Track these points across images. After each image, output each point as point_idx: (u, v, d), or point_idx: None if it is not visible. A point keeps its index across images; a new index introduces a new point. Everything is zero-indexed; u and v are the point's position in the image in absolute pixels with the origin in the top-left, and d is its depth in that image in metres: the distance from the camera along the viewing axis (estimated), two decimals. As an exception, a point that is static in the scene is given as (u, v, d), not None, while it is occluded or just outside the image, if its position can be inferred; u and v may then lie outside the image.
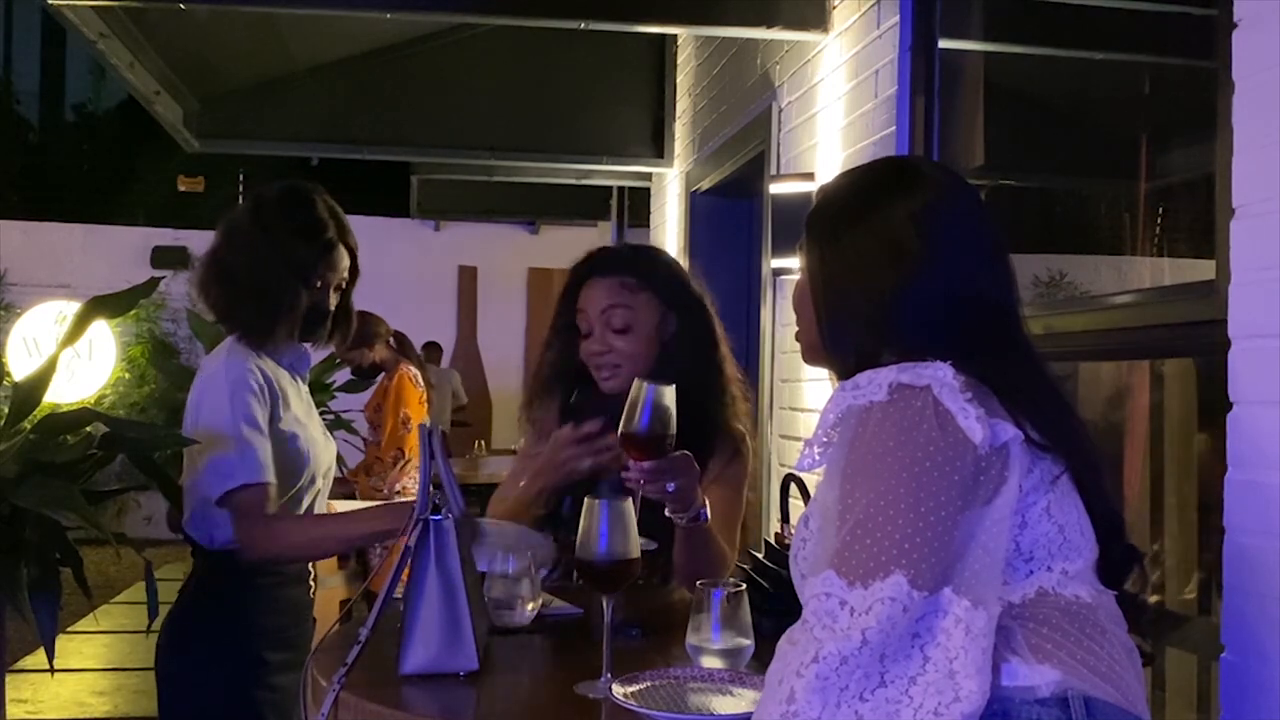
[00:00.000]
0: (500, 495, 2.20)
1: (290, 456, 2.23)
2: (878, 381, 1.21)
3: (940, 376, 1.20)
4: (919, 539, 1.14)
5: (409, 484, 5.08)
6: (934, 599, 1.14)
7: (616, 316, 2.12)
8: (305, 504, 2.29)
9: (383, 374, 5.27)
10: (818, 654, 1.13)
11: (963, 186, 1.42)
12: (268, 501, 2.13)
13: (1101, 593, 1.29)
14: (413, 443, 5.09)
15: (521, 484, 2.11)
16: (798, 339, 1.47)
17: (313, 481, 2.31)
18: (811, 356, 1.44)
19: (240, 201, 2.51)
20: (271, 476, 2.15)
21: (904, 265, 1.30)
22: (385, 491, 5.01)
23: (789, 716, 1.13)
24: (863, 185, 1.40)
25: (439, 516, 1.64)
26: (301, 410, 2.32)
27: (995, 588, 1.20)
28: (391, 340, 5.39)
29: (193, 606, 2.23)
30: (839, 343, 1.34)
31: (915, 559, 1.13)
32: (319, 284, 2.28)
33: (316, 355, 2.50)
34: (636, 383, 1.77)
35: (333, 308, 2.34)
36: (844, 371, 1.31)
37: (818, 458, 1.27)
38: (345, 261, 2.33)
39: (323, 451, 2.35)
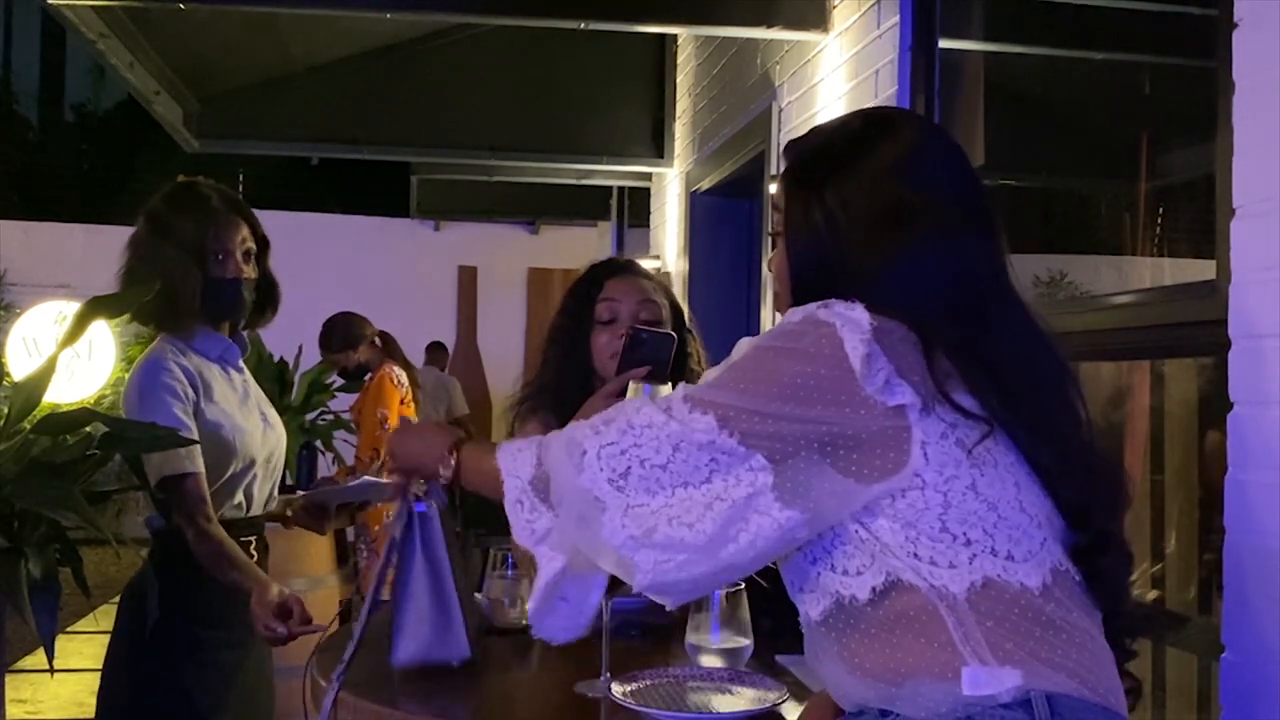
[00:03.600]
0: None
1: (215, 445, 2.29)
2: (804, 310, 1.23)
3: (851, 315, 1.19)
4: (753, 414, 1.17)
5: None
6: (745, 453, 1.17)
7: (648, 310, 2.14)
8: (241, 489, 2.35)
9: (369, 375, 5.26)
10: (639, 409, 1.23)
11: (943, 134, 1.38)
12: (198, 489, 2.23)
13: (1059, 575, 1.21)
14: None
15: None
16: (777, 309, 1.41)
17: (248, 468, 2.36)
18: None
19: None
20: (194, 466, 2.22)
21: (889, 217, 1.26)
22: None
23: (594, 434, 1.24)
24: (844, 135, 1.34)
25: (422, 506, 1.61)
26: (231, 400, 2.37)
27: (827, 516, 1.19)
28: (377, 340, 5.38)
29: (133, 585, 2.33)
30: (807, 297, 1.28)
31: (739, 419, 1.18)
32: (218, 256, 2.33)
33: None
34: (633, 385, 1.78)
35: (244, 277, 2.37)
36: None
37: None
38: (241, 230, 2.37)
39: (258, 440, 2.39)
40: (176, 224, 2.33)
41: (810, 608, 1.25)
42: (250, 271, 2.39)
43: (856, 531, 1.20)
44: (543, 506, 1.29)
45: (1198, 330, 1.95)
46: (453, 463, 1.45)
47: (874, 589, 1.18)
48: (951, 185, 1.29)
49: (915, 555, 1.17)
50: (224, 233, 2.34)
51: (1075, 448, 1.27)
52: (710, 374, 1.26)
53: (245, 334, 2.49)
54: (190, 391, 2.29)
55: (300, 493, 2.65)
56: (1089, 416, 1.30)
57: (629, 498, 1.20)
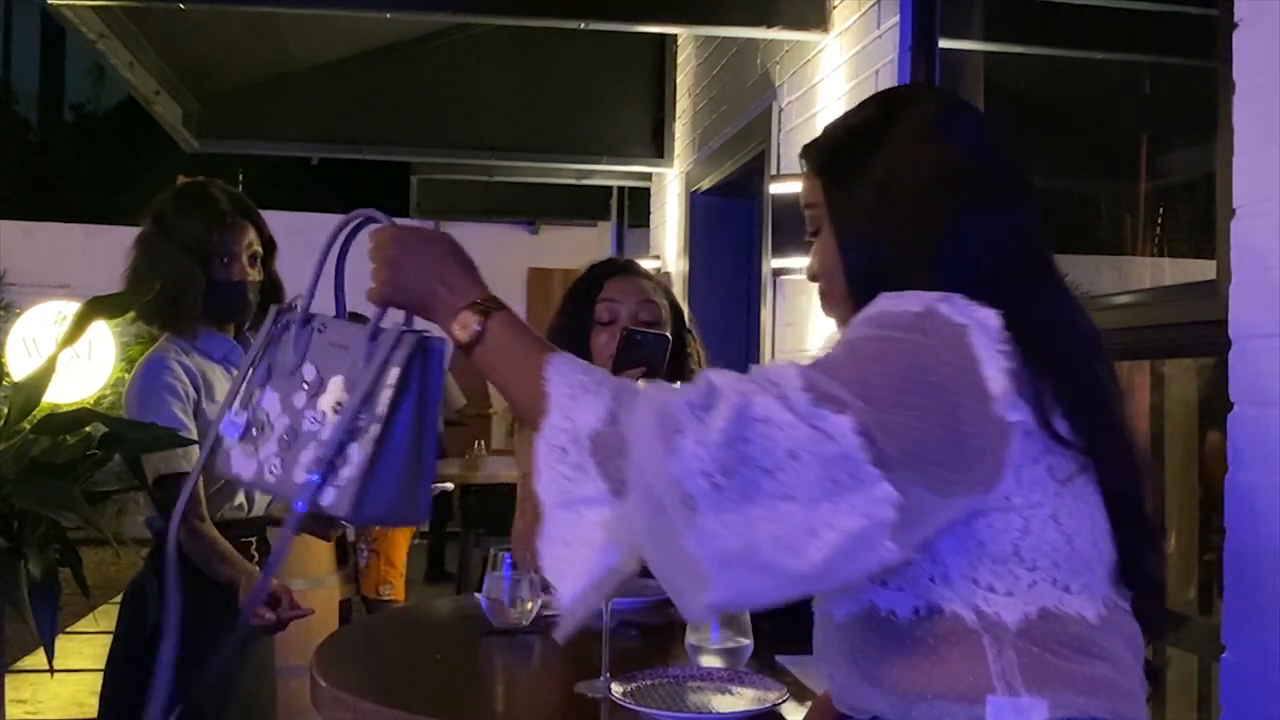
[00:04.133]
0: (525, 496, 2.17)
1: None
2: (921, 297, 1.07)
3: (983, 320, 1.06)
4: (887, 423, 0.99)
5: None
6: (873, 478, 0.97)
7: (647, 311, 2.14)
8: (241, 490, 2.38)
9: None
10: (749, 396, 0.99)
11: (960, 98, 1.31)
12: (193, 490, 2.20)
13: (1113, 608, 1.14)
14: None
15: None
16: (828, 314, 1.29)
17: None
18: (842, 315, 1.25)
19: None
20: (189, 466, 2.22)
21: (942, 182, 1.17)
22: None
23: (694, 417, 0.99)
24: (867, 115, 1.26)
25: (436, 340, 1.25)
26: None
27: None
28: None
29: (134, 585, 2.37)
30: (868, 293, 1.14)
31: (876, 426, 0.98)
32: (224, 259, 2.35)
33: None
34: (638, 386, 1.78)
35: (249, 279, 2.38)
36: None
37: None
38: (248, 233, 2.38)
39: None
40: (182, 224, 2.34)
41: (834, 605, 1.16)
42: (255, 274, 2.40)
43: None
44: (596, 473, 1.06)
45: (1198, 330, 1.95)
46: (476, 328, 1.17)
47: (916, 609, 1.10)
48: (987, 147, 1.22)
49: (974, 580, 1.09)
50: (230, 235, 2.35)
51: (1129, 443, 1.18)
52: (826, 356, 1.07)
53: (250, 335, 2.50)
54: (191, 391, 2.30)
55: None
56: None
57: (725, 500, 0.97)
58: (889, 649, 1.11)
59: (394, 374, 1.20)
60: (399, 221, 1.28)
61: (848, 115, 1.30)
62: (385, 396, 1.20)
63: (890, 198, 1.17)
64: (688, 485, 0.97)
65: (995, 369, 1.04)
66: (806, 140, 1.31)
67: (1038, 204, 1.22)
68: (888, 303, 1.09)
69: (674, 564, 1.00)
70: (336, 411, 1.22)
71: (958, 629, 1.09)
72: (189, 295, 2.32)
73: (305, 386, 1.27)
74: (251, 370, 1.33)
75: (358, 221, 1.28)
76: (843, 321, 1.22)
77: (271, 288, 2.47)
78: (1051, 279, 1.22)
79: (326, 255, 1.27)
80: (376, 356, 1.21)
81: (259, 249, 2.42)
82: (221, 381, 2.37)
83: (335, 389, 1.25)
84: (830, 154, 1.25)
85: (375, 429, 1.20)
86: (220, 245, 2.34)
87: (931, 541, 1.07)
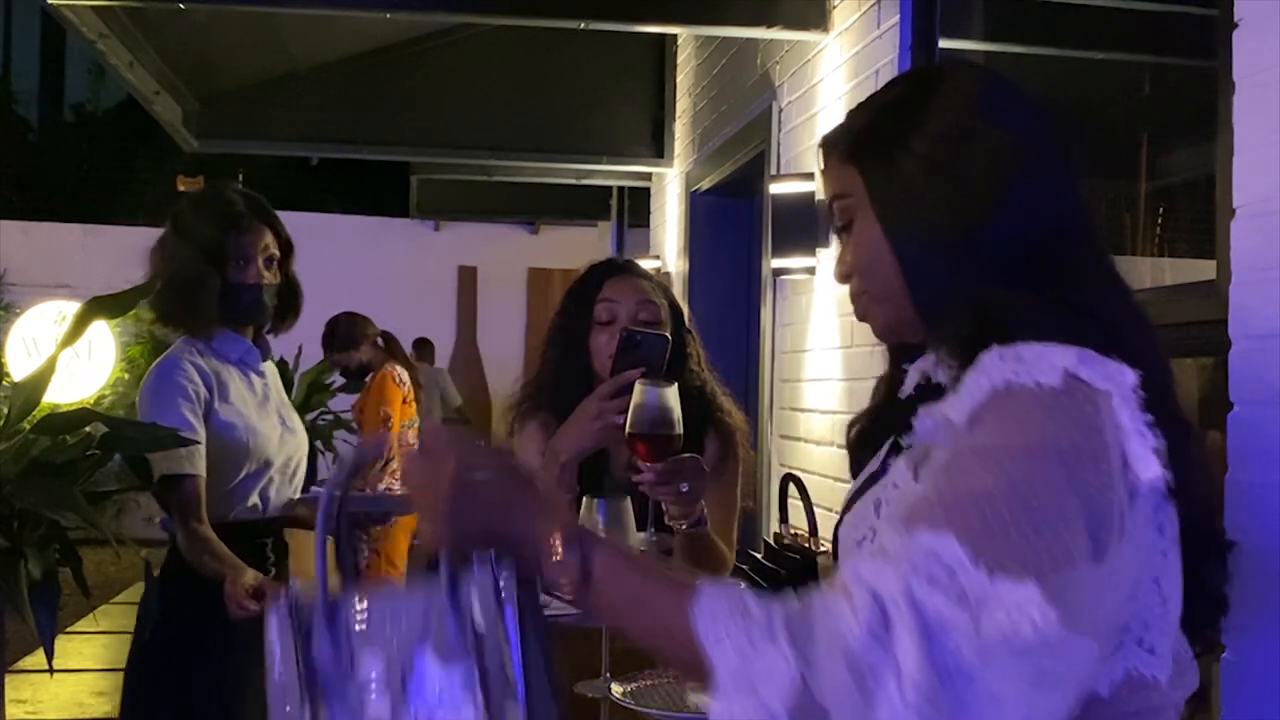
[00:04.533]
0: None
1: (229, 445, 2.34)
2: (1050, 360, 0.93)
3: (1124, 381, 0.93)
4: (1064, 563, 0.85)
5: (393, 484, 5.09)
6: (1077, 643, 0.84)
7: (646, 311, 2.14)
8: (257, 491, 2.38)
9: (371, 374, 5.27)
10: (919, 598, 0.83)
11: (1004, 78, 1.18)
12: (195, 490, 2.26)
13: (1179, 660, 1.02)
14: (394, 442, 5.10)
15: (550, 459, 2.04)
16: (863, 317, 1.15)
17: (262, 470, 2.39)
18: (896, 328, 1.12)
19: None
20: (192, 468, 2.25)
21: (996, 144, 1.06)
22: (368, 491, 5.01)
23: (881, 648, 0.83)
24: (898, 93, 1.15)
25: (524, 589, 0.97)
26: (248, 402, 2.41)
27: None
28: (379, 340, 5.38)
29: (147, 593, 2.38)
30: (944, 294, 1.03)
31: (1059, 581, 0.84)
32: (240, 261, 2.37)
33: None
34: (639, 386, 1.78)
35: (265, 282, 2.40)
36: (958, 336, 1.01)
37: (952, 424, 0.95)
38: (264, 237, 2.41)
39: (275, 443, 2.43)
40: (198, 227, 2.37)
41: None
42: (272, 277, 2.42)
43: None
44: None
45: (1198, 330, 1.95)
46: (579, 561, 0.95)
47: None
48: (1035, 116, 1.11)
49: None
50: (246, 238, 2.37)
51: (1207, 464, 1.06)
52: (977, 498, 0.87)
53: (270, 338, 2.54)
54: (203, 392, 2.32)
55: (314, 490, 2.71)
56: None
57: None
58: None
59: (510, 617, 0.95)
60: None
61: (876, 96, 1.18)
62: (513, 653, 0.94)
63: (940, 175, 1.06)
64: None
65: (1141, 445, 0.92)
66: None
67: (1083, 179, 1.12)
68: (1012, 373, 0.93)
69: None
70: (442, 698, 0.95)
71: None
72: (203, 297, 2.35)
73: (374, 686, 0.97)
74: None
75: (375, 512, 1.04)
76: (884, 324, 1.13)
77: (289, 291, 2.49)
78: (1107, 259, 1.12)
79: (330, 529, 1.07)
80: (474, 607, 0.95)
81: (276, 252, 2.44)
82: (237, 382, 2.39)
83: (430, 667, 0.96)
84: (865, 136, 1.13)
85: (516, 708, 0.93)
86: (235, 248, 2.36)
87: None
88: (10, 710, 2.60)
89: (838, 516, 1.21)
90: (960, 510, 0.87)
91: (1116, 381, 0.93)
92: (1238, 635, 1.75)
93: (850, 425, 1.26)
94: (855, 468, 1.23)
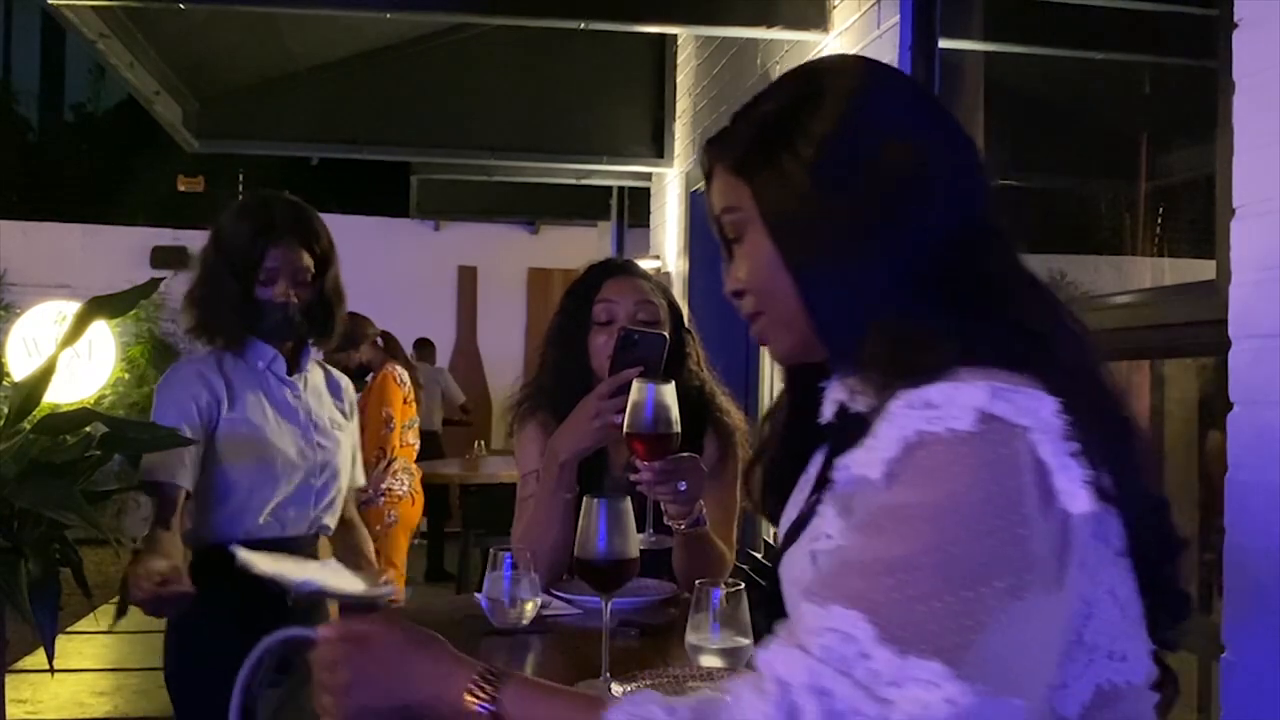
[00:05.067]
0: (525, 495, 2.17)
1: (231, 455, 2.28)
2: (960, 403, 0.88)
3: (1042, 415, 0.88)
4: (974, 626, 0.83)
5: (394, 484, 5.08)
6: (995, 706, 0.82)
7: (645, 311, 2.14)
8: (268, 509, 2.31)
9: (371, 374, 5.27)
10: (826, 689, 0.83)
11: (899, 71, 1.14)
12: (174, 499, 2.20)
13: (1146, 661, 1.00)
14: (395, 442, 5.09)
15: (550, 457, 2.04)
16: (761, 340, 1.09)
17: (270, 482, 2.31)
18: (797, 352, 1.07)
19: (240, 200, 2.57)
20: (176, 478, 2.19)
21: (888, 146, 0.99)
22: (370, 492, 5.01)
23: None
24: (782, 94, 1.06)
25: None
26: (266, 413, 2.34)
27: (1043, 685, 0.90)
28: (379, 340, 5.38)
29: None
30: (847, 317, 0.98)
31: (969, 649, 0.82)
32: (266, 277, 2.30)
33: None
34: (636, 384, 1.78)
35: (291, 300, 2.32)
36: (868, 364, 0.96)
37: (869, 481, 0.91)
38: (298, 255, 2.32)
39: (292, 456, 2.34)
40: (231, 238, 2.32)
41: None
42: (301, 294, 2.34)
43: None
44: None
45: (1198, 330, 1.95)
46: (490, 707, 0.96)
47: None
48: (930, 112, 1.05)
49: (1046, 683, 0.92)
50: (275, 251, 2.30)
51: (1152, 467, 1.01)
52: (888, 567, 0.85)
53: (312, 348, 2.47)
54: (206, 399, 2.28)
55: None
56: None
57: None
58: None
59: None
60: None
61: (760, 99, 1.08)
62: None
63: (831, 186, 0.98)
64: None
65: (1068, 480, 0.88)
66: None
67: (989, 179, 1.06)
68: (924, 420, 0.89)
69: None
70: None
71: None
72: (223, 312, 2.31)
73: None
74: None
75: (277, 644, 1.10)
76: (785, 349, 1.07)
77: (324, 305, 2.40)
78: (1024, 267, 1.03)
79: (246, 691, 1.11)
80: None
81: (308, 266, 2.35)
82: (256, 391, 2.35)
83: None
84: (752, 146, 1.05)
85: None
86: (263, 263, 2.29)
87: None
88: (10, 710, 2.60)
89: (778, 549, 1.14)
90: (874, 581, 0.85)
91: (1033, 414, 0.88)
92: (1238, 635, 1.75)
93: (758, 455, 1.20)
94: (771, 503, 1.18)
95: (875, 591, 0.85)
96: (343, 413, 2.52)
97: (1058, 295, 1.02)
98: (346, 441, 2.49)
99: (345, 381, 2.60)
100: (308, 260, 2.34)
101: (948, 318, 0.94)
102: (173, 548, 2.16)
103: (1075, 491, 0.87)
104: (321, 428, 2.42)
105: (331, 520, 2.43)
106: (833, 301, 0.99)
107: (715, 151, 1.09)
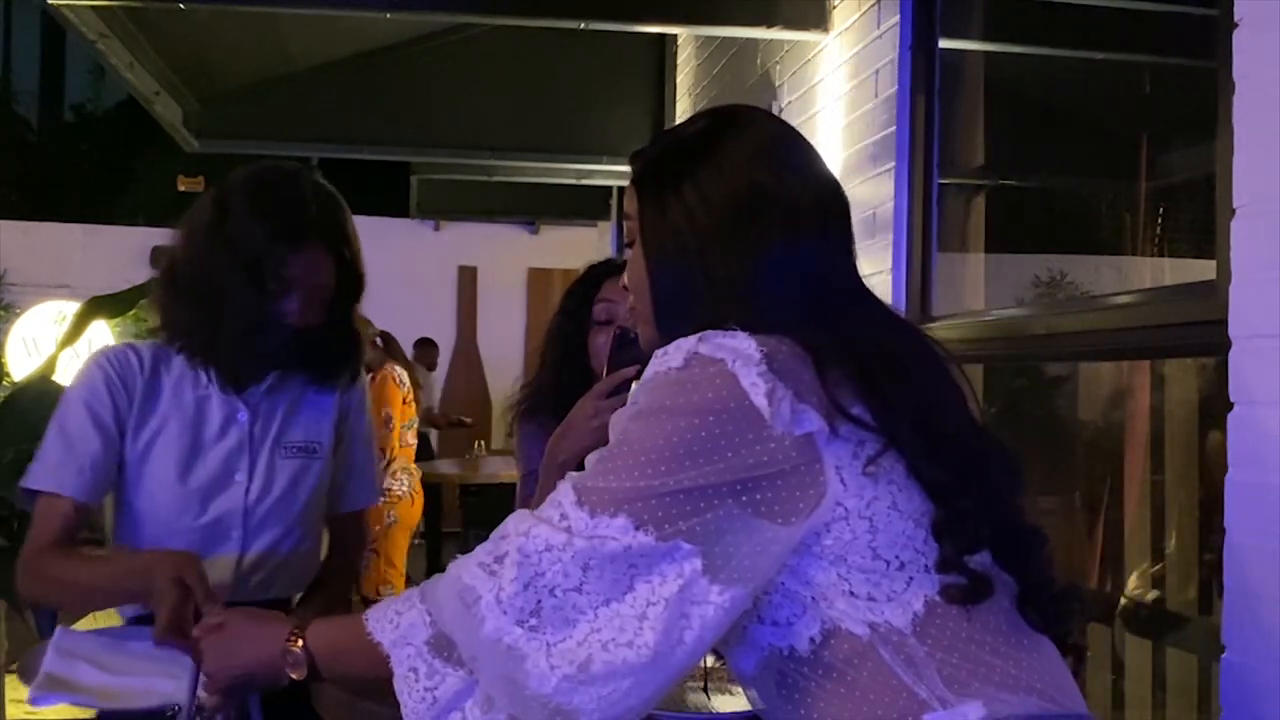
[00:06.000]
0: (525, 496, 2.16)
1: (134, 480, 1.78)
2: (681, 348, 1.10)
3: (739, 348, 1.08)
4: (663, 496, 1.04)
5: (393, 484, 5.08)
6: (667, 546, 1.03)
7: None
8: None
9: (371, 374, 5.28)
10: (529, 532, 1.07)
11: (792, 128, 1.30)
12: (54, 516, 1.73)
13: (999, 582, 1.12)
14: (394, 443, 5.09)
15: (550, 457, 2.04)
16: (633, 315, 1.30)
17: (174, 526, 1.77)
18: (652, 342, 1.22)
19: None
20: (57, 487, 1.73)
21: (756, 210, 1.16)
22: None
23: (488, 575, 1.07)
24: (693, 131, 1.24)
25: None
26: (181, 441, 1.79)
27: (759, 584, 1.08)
28: (378, 341, 5.39)
29: None
30: (674, 319, 1.17)
31: (649, 510, 1.04)
32: (275, 287, 1.73)
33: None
34: (635, 387, 1.77)
35: (300, 322, 1.77)
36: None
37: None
38: (323, 266, 1.77)
39: (194, 499, 1.78)
40: (244, 225, 1.74)
41: (741, 661, 1.15)
42: (313, 317, 1.78)
43: (783, 581, 1.09)
44: (447, 666, 1.10)
45: (1198, 330, 1.95)
46: (300, 655, 1.23)
47: (811, 639, 1.09)
48: (809, 176, 1.22)
49: (852, 594, 1.08)
50: (294, 263, 1.74)
51: (953, 433, 1.14)
52: (599, 455, 1.12)
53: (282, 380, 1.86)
54: (119, 401, 1.77)
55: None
56: (974, 405, 1.20)
57: (547, 636, 1.04)
58: (805, 688, 1.09)
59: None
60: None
61: (677, 128, 1.29)
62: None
63: (699, 224, 1.17)
64: (506, 639, 1.04)
65: (761, 395, 1.05)
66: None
67: (849, 240, 1.23)
68: (657, 363, 1.12)
69: (538, 713, 1.04)
70: None
71: (857, 647, 1.07)
72: (233, 323, 1.75)
73: None
74: None
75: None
76: (645, 341, 1.25)
77: (339, 338, 1.86)
78: (870, 304, 1.23)
79: None
80: None
81: (330, 283, 1.79)
82: (193, 410, 1.81)
83: None
84: (651, 166, 1.24)
85: None
86: (278, 267, 1.73)
87: (794, 566, 1.09)
88: (10, 710, 2.59)
89: None
90: (591, 467, 1.11)
91: (731, 349, 1.08)
92: (1238, 635, 1.75)
93: None
94: None
95: (585, 474, 1.10)
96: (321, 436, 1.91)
97: (885, 307, 1.23)
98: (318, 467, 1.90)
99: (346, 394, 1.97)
100: (331, 274, 1.79)
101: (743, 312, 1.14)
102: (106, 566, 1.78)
103: (763, 404, 1.05)
104: (269, 466, 1.84)
105: (284, 578, 1.86)
106: (679, 322, 1.16)
107: (632, 160, 1.27)
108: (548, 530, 1.06)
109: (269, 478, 1.83)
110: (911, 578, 1.09)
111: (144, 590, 1.57)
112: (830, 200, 1.23)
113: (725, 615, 1.05)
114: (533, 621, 1.04)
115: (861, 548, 1.08)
